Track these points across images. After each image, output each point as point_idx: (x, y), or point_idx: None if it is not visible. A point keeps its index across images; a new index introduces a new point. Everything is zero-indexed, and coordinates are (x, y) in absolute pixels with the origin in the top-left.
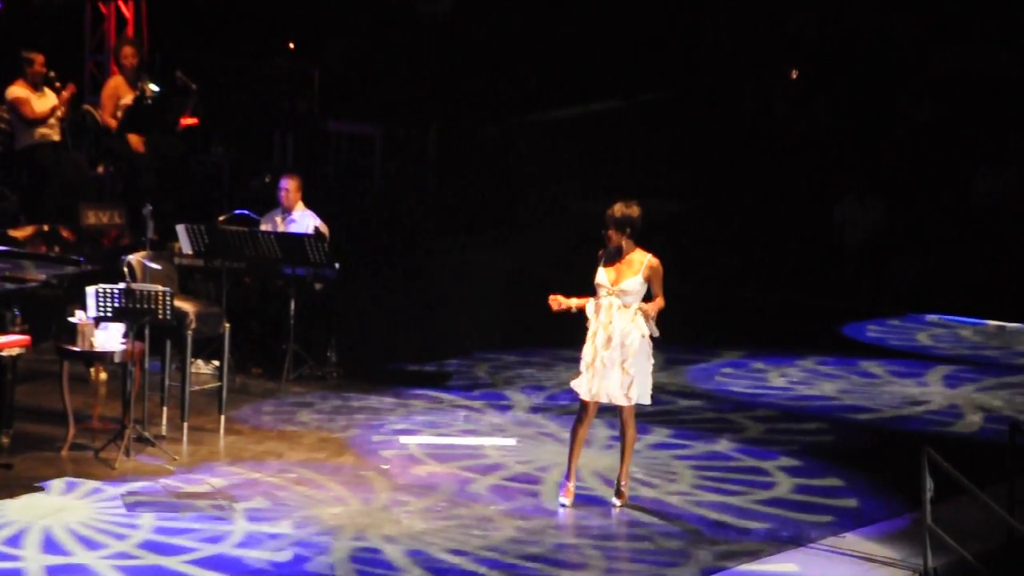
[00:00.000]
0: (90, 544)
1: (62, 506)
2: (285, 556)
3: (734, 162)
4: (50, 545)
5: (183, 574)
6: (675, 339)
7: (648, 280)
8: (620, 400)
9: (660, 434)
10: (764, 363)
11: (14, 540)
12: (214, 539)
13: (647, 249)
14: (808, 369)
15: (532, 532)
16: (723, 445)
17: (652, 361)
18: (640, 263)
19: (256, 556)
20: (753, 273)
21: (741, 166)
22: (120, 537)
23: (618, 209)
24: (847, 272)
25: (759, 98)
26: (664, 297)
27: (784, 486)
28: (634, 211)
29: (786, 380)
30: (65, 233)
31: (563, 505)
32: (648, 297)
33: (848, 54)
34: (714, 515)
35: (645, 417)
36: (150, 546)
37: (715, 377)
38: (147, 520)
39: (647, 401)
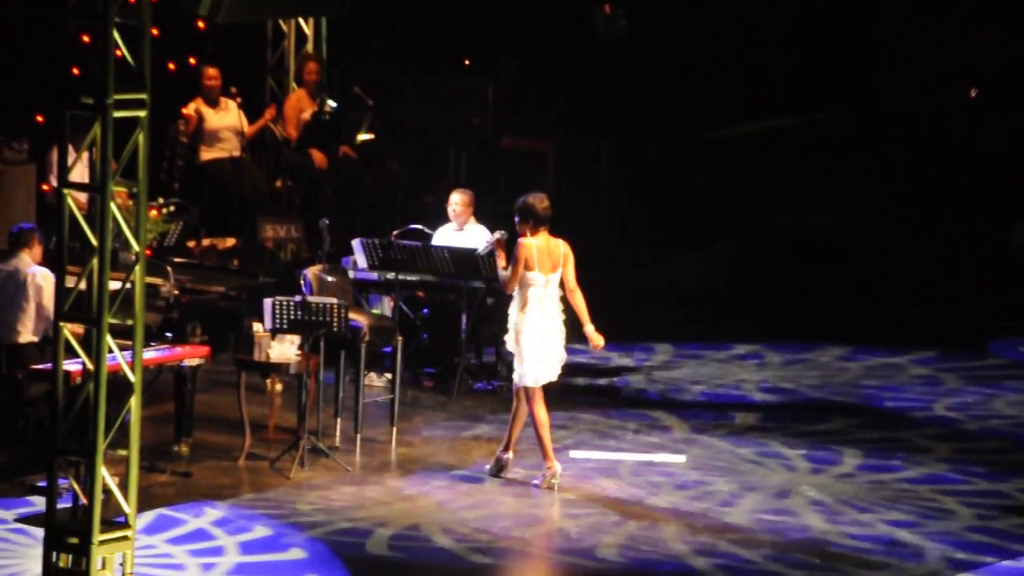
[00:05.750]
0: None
1: None
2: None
3: (910, 180)
4: None
5: None
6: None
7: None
8: None
9: None
10: None
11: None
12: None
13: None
14: None
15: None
16: None
17: (524, 344)
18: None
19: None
20: (927, 291)
21: (917, 184)
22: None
23: (526, 201)
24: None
25: (936, 117)
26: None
27: None
28: (541, 203)
29: None
30: (243, 246)
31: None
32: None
33: None
34: None
35: None
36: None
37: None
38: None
39: (517, 381)
